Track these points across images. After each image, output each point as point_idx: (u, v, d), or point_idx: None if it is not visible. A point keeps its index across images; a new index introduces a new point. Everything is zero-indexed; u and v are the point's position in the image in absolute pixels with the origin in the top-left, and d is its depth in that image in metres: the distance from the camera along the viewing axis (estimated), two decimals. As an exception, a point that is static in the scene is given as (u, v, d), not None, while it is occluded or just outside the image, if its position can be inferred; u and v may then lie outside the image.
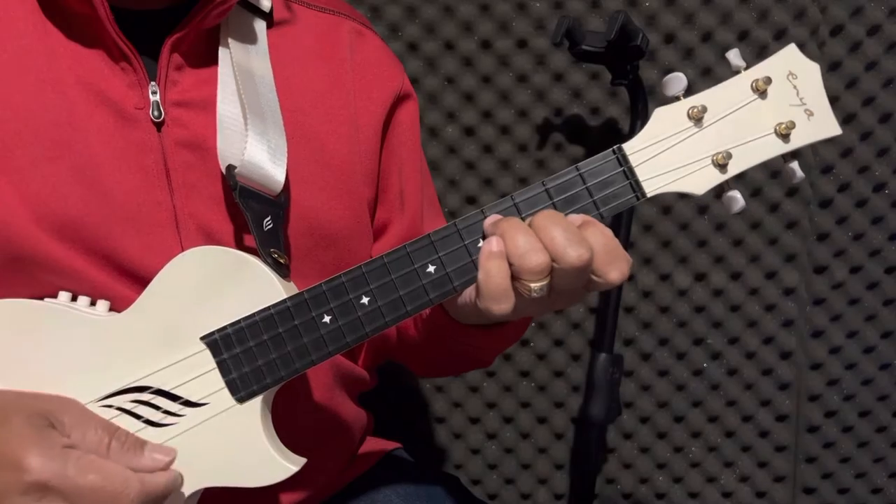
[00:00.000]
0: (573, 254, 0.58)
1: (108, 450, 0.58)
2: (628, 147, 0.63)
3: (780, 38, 1.17)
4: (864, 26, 1.16)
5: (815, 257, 1.24)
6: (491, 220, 0.63)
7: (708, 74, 1.20)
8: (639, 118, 1.15)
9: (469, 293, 0.65)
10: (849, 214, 1.22)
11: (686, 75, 1.17)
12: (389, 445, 0.99)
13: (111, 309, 0.69)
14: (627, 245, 1.21)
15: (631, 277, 1.26)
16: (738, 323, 1.27)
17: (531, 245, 0.59)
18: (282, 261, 0.69)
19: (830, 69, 1.18)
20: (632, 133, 1.16)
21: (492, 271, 0.60)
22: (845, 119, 1.19)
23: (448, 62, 1.24)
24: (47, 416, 0.57)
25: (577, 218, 0.62)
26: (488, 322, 0.71)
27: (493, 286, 0.60)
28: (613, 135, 1.24)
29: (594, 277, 0.61)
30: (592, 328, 1.28)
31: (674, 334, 1.28)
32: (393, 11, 1.23)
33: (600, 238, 0.60)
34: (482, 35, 1.22)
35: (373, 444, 0.97)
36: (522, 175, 1.26)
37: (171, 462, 0.61)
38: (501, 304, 0.61)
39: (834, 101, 1.17)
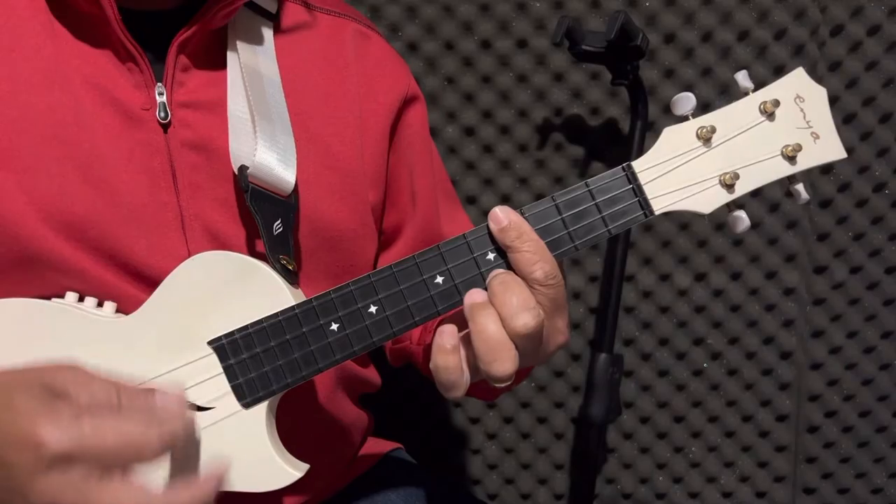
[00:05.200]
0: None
1: (119, 403, 0.57)
2: (637, 165, 0.64)
3: (780, 38, 1.18)
4: (864, 26, 1.16)
5: (815, 257, 1.24)
6: (472, 297, 0.62)
7: (708, 74, 1.20)
8: (639, 118, 1.15)
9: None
10: (849, 214, 1.22)
11: (686, 75, 1.19)
12: (389, 446, 0.99)
13: (118, 310, 0.69)
14: (628, 245, 1.21)
15: (631, 277, 1.26)
16: (738, 323, 1.27)
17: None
18: (290, 267, 0.69)
19: (830, 69, 1.18)
20: (632, 133, 1.16)
21: (439, 367, 0.62)
22: (845, 119, 1.19)
23: (448, 62, 1.24)
24: (49, 386, 0.56)
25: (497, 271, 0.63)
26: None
27: (442, 381, 0.63)
28: (613, 135, 1.24)
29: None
30: (592, 328, 1.28)
31: (674, 334, 1.28)
32: (393, 11, 1.23)
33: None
34: (482, 35, 1.22)
35: (373, 445, 0.97)
36: (522, 175, 1.26)
37: (184, 399, 0.59)
38: (456, 392, 0.63)
39: (834, 100, 1.18)
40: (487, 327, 0.60)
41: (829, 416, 1.29)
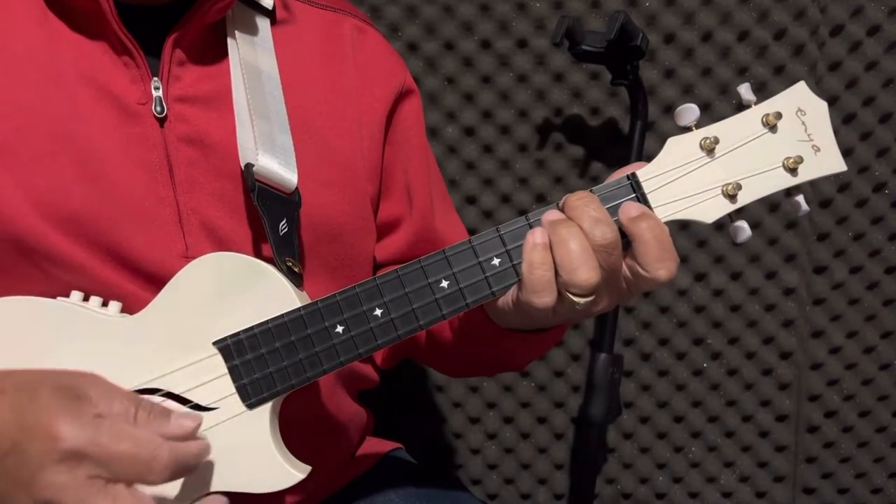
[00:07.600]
0: (599, 234, 0.61)
1: (135, 419, 0.57)
2: (642, 174, 0.65)
3: (780, 38, 1.17)
4: (864, 26, 1.16)
5: (815, 257, 1.24)
6: (550, 216, 0.63)
7: (708, 74, 1.20)
8: (639, 118, 1.15)
9: (509, 294, 0.66)
10: (849, 214, 1.22)
11: (686, 75, 1.20)
12: (389, 446, 0.99)
13: (122, 310, 0.69)
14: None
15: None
16: (738, 323, 1.27)
17: (583, 260, 0.60)
18: (296, 269, 0.69)
19: (830, 69, 1.18)
20: (632, 133, 1.16)
21: (535, 263, 0.61)
22: (845, 119, 1.19)
23: (448, 62, 1.24)
24: (73, 389, 0.57)
25: (634, 208, 0.63)
26: (527, 327, 0.71)
27: (535, 279, 0.61)
28: (613, 135, 1.24)
29: (642, 273, 0.62)
30: (592, 328, 1.28)
31: (674, 334, 1.28)
32: (393, 11, 1.23)
33: (655, 230, 0.62)
34: (482, 35, 1.22)
35: (373, 445, 0.97)
36: (522, 175, 1.26)
37: (198, 427, 0.60)
38: (543, 297, 0.62)
39: (834, 101, 1.18)
40: (568, 237, 0.61)
41: (829, 416, 1.28)
